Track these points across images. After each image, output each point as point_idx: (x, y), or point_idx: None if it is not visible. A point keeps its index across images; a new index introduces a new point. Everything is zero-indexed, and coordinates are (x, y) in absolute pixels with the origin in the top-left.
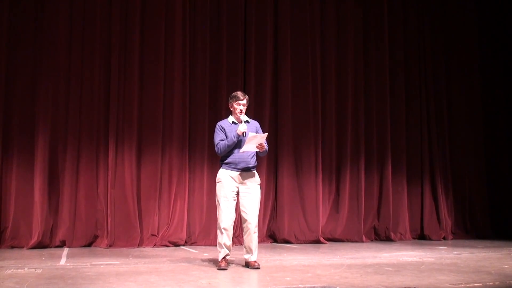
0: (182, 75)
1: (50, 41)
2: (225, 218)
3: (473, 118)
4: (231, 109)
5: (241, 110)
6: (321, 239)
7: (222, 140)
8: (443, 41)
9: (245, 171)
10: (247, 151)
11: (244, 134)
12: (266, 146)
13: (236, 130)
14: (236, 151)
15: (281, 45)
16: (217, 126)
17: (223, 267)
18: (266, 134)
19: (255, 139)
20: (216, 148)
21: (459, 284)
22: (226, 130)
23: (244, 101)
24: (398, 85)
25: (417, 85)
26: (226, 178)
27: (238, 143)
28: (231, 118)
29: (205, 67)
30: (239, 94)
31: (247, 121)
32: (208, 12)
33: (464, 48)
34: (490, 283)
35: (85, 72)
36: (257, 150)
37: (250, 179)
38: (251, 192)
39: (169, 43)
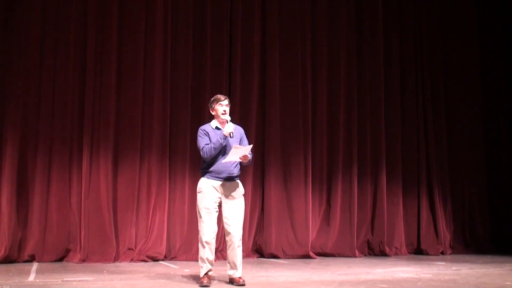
0: (163, 77)
1: (20, 41)
2: (207, 231)
3: (473, 124)
4: (213, 113)
5: (224, 110)
6: (311, 253)
7: (207, 144)
8: (441, 38)
9: (228, 181)
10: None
11: (231, 135)
12: (250, 156)
13: (222, 132)
14: (220, 158)
15: (269, 44)
16: (199, 130)
17: (205, 284)
18: (251, 146)
19: (239, 151)
20: (202, 153)
21: None
22: (210, 135)
23: (226, 102)
24: (394, 88)
25: (413, 88)
26: (207, 188)
27: (224, 148)
28: (214, 123)
29: (187, 69)
30: (219, 95)
31: None
32: (191, 9)
33: (464, 47)
34: None
35: (58, 74)
36: (240, 160)
37: (233, 189)
38: (235, 203)
39: (149, 43)
